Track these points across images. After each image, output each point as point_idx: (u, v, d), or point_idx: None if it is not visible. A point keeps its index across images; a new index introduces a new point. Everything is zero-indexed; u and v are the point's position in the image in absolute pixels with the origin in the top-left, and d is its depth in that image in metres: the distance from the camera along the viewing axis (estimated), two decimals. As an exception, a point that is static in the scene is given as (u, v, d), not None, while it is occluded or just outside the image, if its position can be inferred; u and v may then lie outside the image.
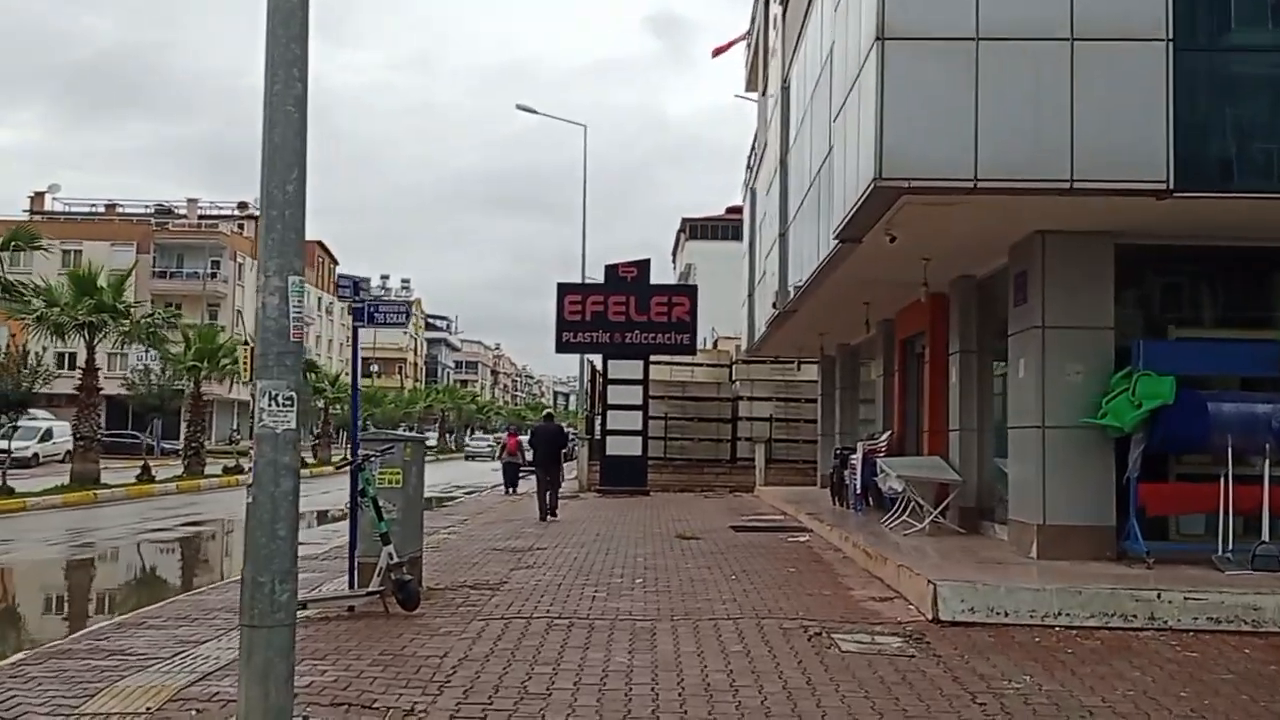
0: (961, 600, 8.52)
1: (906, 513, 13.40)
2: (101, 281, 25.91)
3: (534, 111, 38.76)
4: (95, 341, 25.58)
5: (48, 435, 44.81)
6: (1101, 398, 10.20)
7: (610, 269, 26.28)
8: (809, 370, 28.11)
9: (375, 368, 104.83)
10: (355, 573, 9.14)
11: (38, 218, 77.11)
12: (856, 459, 16.65)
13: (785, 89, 17.23)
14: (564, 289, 26.15)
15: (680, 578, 10.87)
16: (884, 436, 16.79)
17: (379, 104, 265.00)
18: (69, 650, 7.21)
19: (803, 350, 24.64)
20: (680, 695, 6.22)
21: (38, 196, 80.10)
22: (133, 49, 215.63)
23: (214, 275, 73.70)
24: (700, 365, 31.86)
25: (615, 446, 25.69)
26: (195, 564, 16.21)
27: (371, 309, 9.12)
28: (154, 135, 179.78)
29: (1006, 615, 8.42)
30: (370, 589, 8.73)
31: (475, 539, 15.20)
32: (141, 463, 29.17)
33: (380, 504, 9.29)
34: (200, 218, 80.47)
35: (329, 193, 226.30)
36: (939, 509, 12.95)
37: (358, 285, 8.91)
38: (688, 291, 26.91)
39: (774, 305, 17.73)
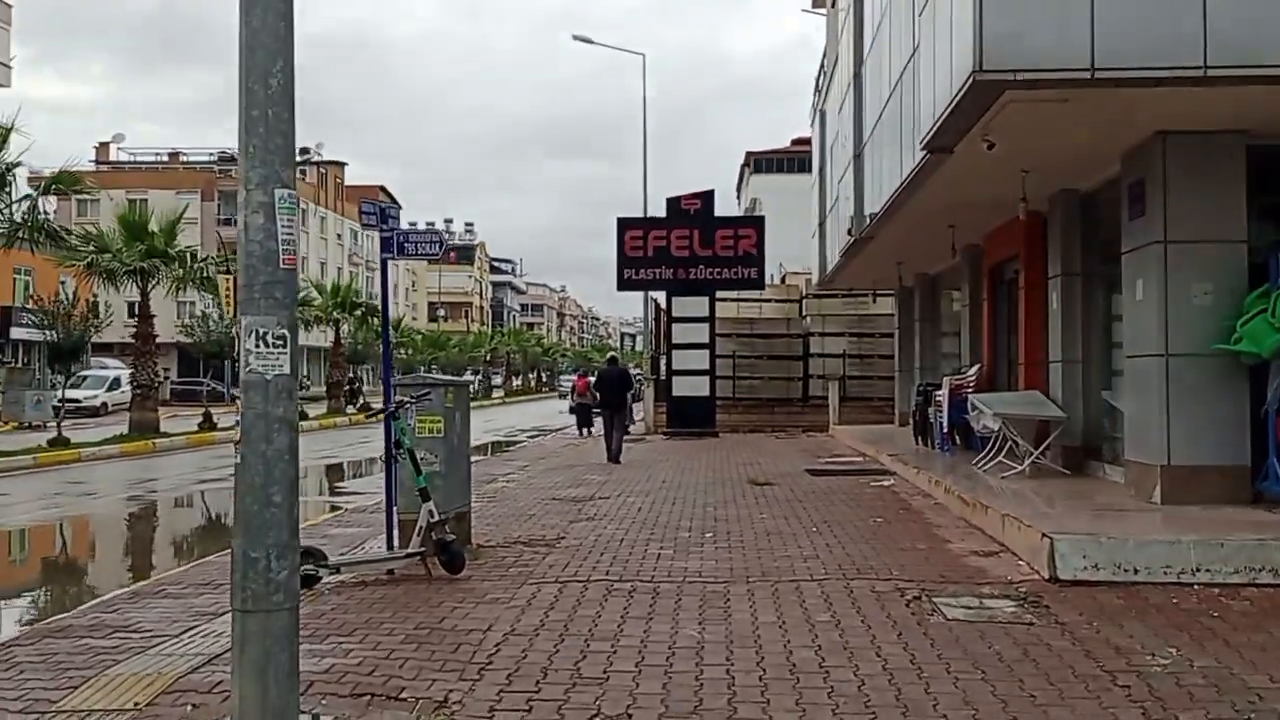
0: (1083, 556, 7.40)
1: (1003, 453, 12.22)
2: (153, 226, 25.36)
3: (590, 42, 37.49)
4: (149, 288, 25.12)
5: (116, 384, 44.97)
6: (1234, 320, 8.90)
7: (672, 201, 25.07)
8: (884, 304, 26.75)
9: (442, 312, 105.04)
10: (394, 532, 8.28)
11: (103, 168, 77.71)
12: (942, 395, 15.45)
13: (859, -5, 15.81)
14: (624, 224, 25.04)
15: (754, 530, 9.87)
16: (972, 371, 15.55)
17: (435, 51, 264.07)
18: (69, 627, 6.44)
19: (878, 282, 23.30)
20: (761, 680, 5.23)
21: (102, 147, 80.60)
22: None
23: (279, 222, 73.67)
24: (769, 301, 30.62)
25: (682, 387, 24.70)
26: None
27: (401, 239, 8.14)
28: (218, 85, 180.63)
29: (1136, 572, 7.29)
30: (410, 550, 7.86)
31: (534, 487, 14.37)
32: (204, 410, 28.85)
33: (420, 455, 8.41)
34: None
35: (388, 141, 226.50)
36: (1040, 449, 11.74)
37: (385, 212, 7.89)
38: (754, 223, 25.62)
39: (849, 232, 16.47)
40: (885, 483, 13.75)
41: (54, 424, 30.18)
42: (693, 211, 24.73)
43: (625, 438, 19.20)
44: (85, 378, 45.64)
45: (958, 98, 8.23)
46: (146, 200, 73.48)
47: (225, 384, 59.44)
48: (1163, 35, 7.61)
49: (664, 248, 24.56)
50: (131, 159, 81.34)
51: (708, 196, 25.04)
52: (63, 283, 31.13)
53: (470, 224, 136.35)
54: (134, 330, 25.47)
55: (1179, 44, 7.57)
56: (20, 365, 38.46)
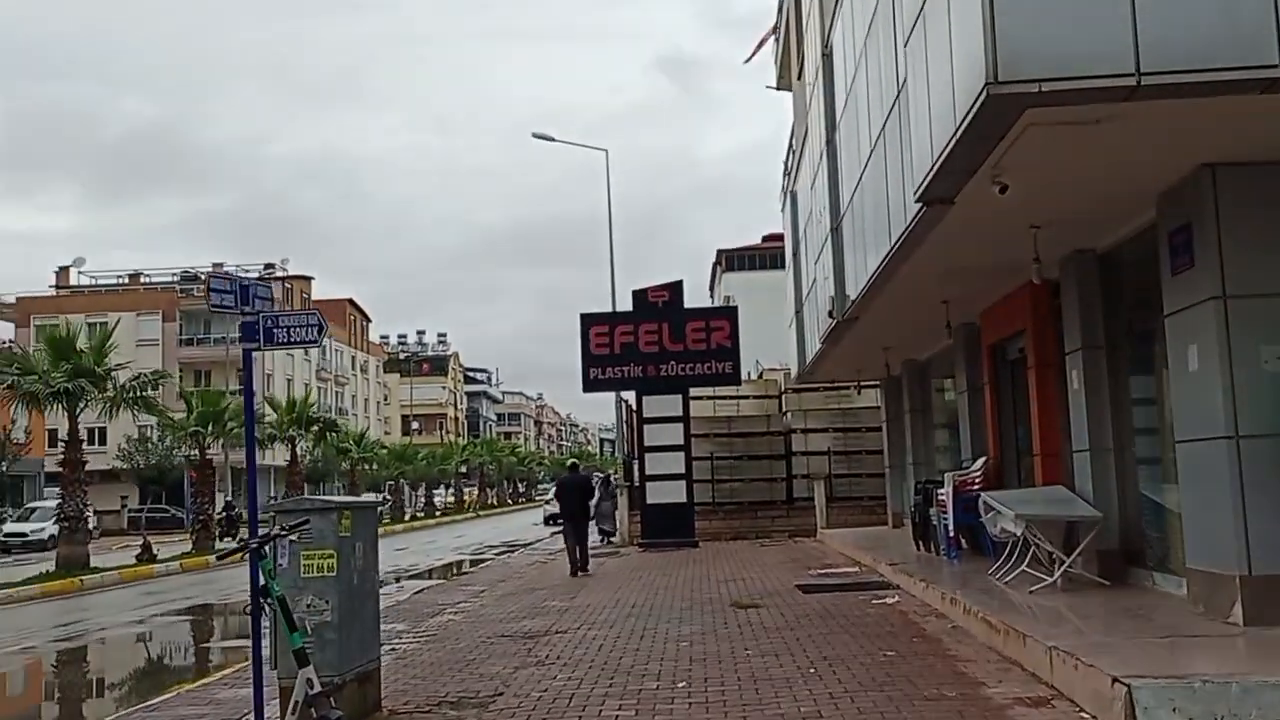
0: (1174, 709, 5.53)
1: (1025, 561, 10.37)
2: (81, 344, 23.53)
3: (551, 139, 36.40)
4: (77, 411, 23.15)
5: None
6: (1317, 391, 7.21)
7: (639, 295, 23.49)
8: (869, 395, 25.07)
9: (415, 425, 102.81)
10: (263, 709, 6.31)
11: (63, 292, 76.10)
12: (945, 494, 13.63)
13: (827, 56, 14.45)
14: (588, 319, 23.39)
15: (739, 675, 7.92)
16: (978, 465, 13.77)
17: (405, 165, 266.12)
18: None
19: (862, 372, 21.64)
20: None
21: (63, 271, 79.24)
22: (156, 126, 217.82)
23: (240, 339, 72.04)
24: (746, 397, 28.89)
25: (656, 493, 22.77)
26: (130, 678, 13.47)
27: (269, 324, 6.38)
28: (181, 210, 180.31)
29: (1249, 730, 5.41)
30: (280, 735, 5.91)
31: (484, 620, 12.36)
32: (143, 540, 26.61)
33: (306, 602, 6.52)
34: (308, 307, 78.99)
35: (360, 254, 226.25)
36: (1073, 556, 9.89)
37: (246, 292, 6.16)
38: (727, 314, 24.03)
39: (829, 314, 14.83)
40: (889, 599, 11.81)
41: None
42: (661, 304, 23.15)
43: (599, 549, 18.75)
44: (33, 510, 43.27)
45: (964, 125, 6.62)
46: (106, 323, 71.98)
47: (185, 510, 57.00)
48: (1222, 29, 6.02)
49: (631, 343, 22.90)
50: (92, 282, 79.83)
51: (676, 288, 23.50)
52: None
53: (443, 334, 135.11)
54: (61, 457, 23.37)
55: (1244, 40, 5.98)
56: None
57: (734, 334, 23.10)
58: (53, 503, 44.99)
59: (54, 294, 75.29)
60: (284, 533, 6.18)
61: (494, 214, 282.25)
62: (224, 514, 33.53)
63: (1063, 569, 9.78)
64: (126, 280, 79.29)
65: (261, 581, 6.05)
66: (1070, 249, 10.25)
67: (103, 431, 51.05)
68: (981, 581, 11.00)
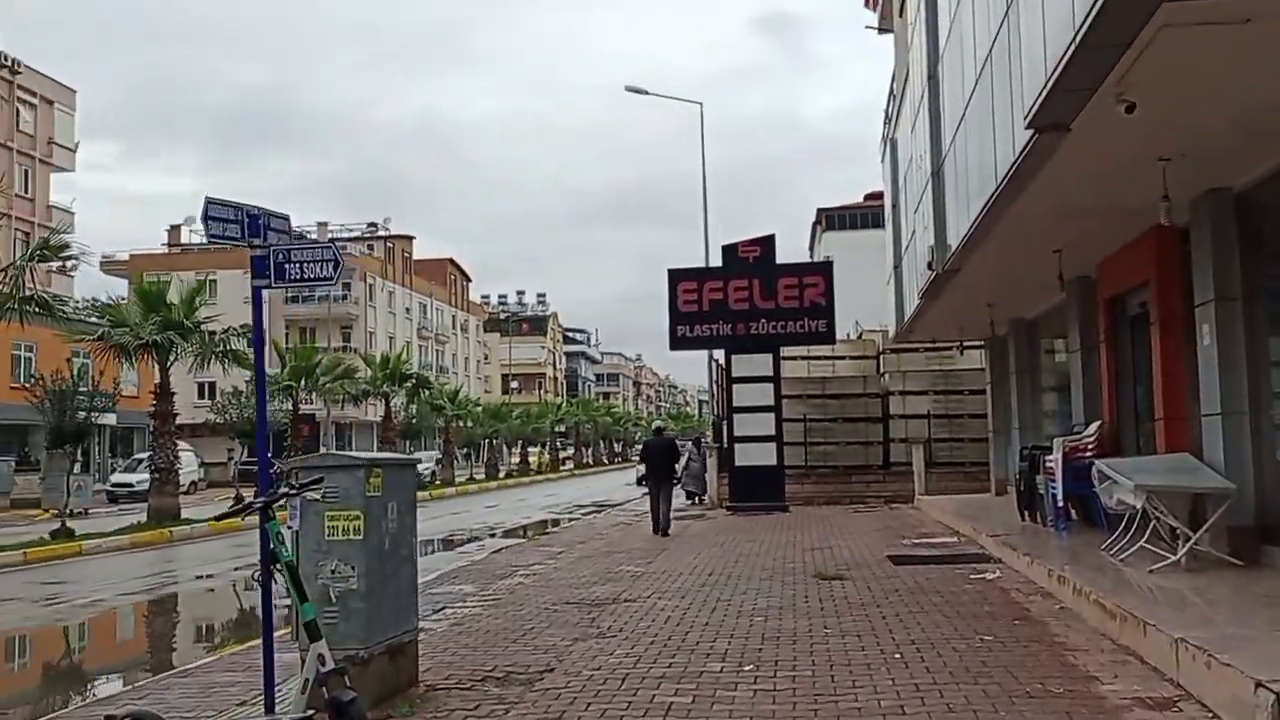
0: (1334, 724, 4.56)
1: (1145, 537, 9.30)
2: (173, 297, 23.61)
3: (645, 92, 35.51)
4: (169, 363, 23.28)
5: None
6: None
7: (729, 249, 22.54)
8: (972, 356, 23.76)
9: (515, 384, 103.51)
10: (271, 689, 5.74)
11: (174, 250, 78.13)
12: (1054, 461, 12.52)
13: (930, -16, 13.29)
14: (676, 275, 22.54)
15: (814, 658, 7.12)
16: (1091, 430, 12.62)
17: (503, 127, 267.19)
18: None
19: (965, 330, 20.40)
20: None
21: (174, 230, 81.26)
22: (268, 91, 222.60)
23: (345, 297, 73.03)
24: (842, 358, 27.76)
25: (745, 455, 21.93)
26: (200, 629, 13.24)
27: (281, 258, 5.74)
28: (291, 172, 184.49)
29: None
30: (292, 716, 5.31)
31: (553, 584, 11.76)
32: (235, 492, 26.83)
33: (330, 567, 5.94)
34: (330, 240, 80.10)
35: (461, 216, 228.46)
36: (1200, 531, 8.80)
37: (256, 223, 5.51)
38: (821, 270, 22.93)
39: (929, 266, 13.75)
40: (988, 575, 10.84)
41: (82, 510, 28.68)
42: (752, 259, 22.17)
43: (686, 511, 18.83)
44: (140, 461, 44.41)
45: (1084, 29, 5.61)
46: (216, 280, 73.93)
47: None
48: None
49: (721, 300, 21.99)
50: (202, 240, 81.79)
51: (768, 242, 22.48)
52: (76, 358, 29.60)
53: (542, 294, 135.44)
54: (152, 408, 23.57)
55: None
56: (64, 450, 37.00)
57: (829, 291, 22.01)
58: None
59: (166, 252, 77.29)
60: (292, 491, 5.56)
61: (592, 176, 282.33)
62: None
63: (1188, 546, 8.70)
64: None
65: (271, 546, 5.44)
66: (1204, 188, 9.07)
67: (213, 386, 52.34)
68: (1094, 557, 9.97)
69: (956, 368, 25.52)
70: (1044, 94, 6.69)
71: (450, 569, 14.34)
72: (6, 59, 50.01)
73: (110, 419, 47.07)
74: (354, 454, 6.38)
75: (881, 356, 27.44)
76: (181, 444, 46.60)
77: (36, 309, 17.85)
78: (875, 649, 7.30)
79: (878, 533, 16.34)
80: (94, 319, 22.76)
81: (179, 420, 22.60)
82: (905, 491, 23.70)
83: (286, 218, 5.91)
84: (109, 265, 72.81)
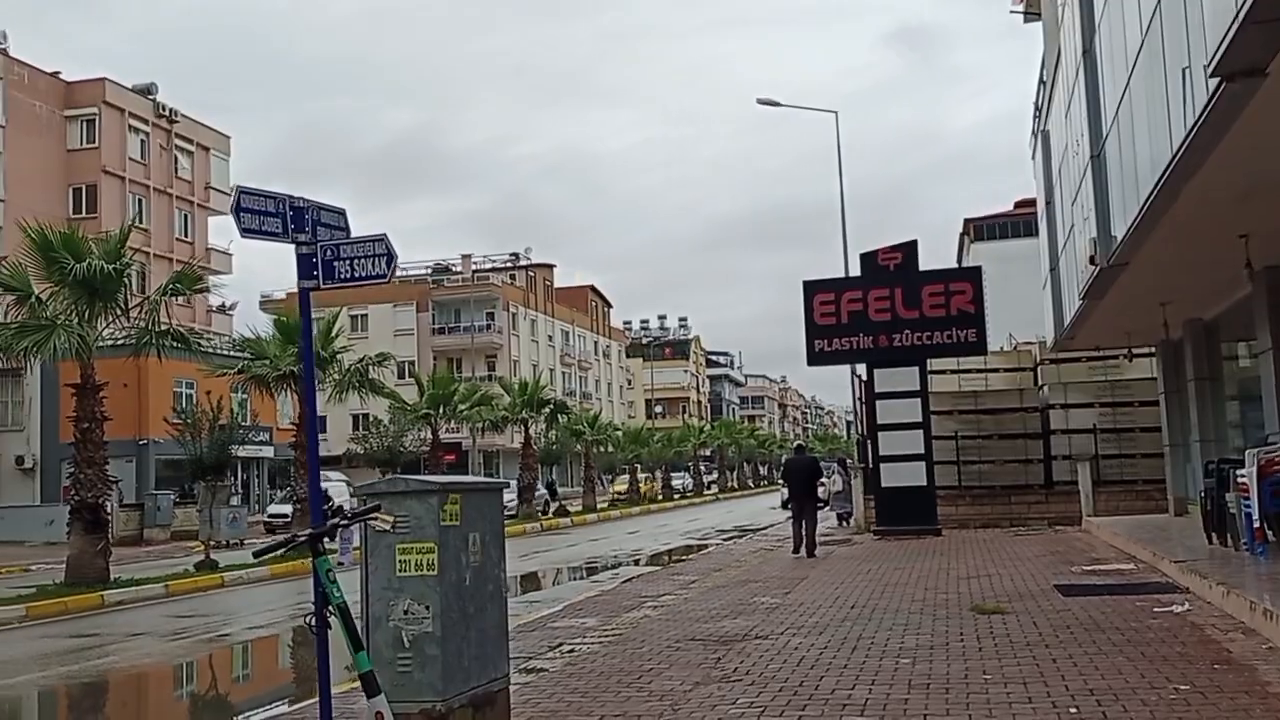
0: None
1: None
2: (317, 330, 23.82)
3: (777, 104, 34.43)
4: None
5: (325, 497, 44.47)
6: None
7: (868, 257, 21.32)
8: (1142, 365, 21.87)
9: (659, 408, 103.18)
10: (329, 748, 5.03)
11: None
12: (1246, 475, 10.98)
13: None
14: (812, 287, 21.44)
15: (973, 710, 6.03)
16: (1292, 439, 11.03)
17: (638, 158, 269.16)
18: None
19: (1133, 335, 18.65)
20: None
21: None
22: (412, 135, 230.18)
23: (489, 327, 74.17)
24: (995, 370, 26.07)
25: (893, 475, 20.60)
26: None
27: (329, 256, 5.07)
28: (434, 211, 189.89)
29: None
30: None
31: (681, 617, 10.87)
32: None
33: (403, 607, 5.23)
34: (474, 272, 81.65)
35: (600, 246, 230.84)
36: None
37: (302, 214, 4.86)
38: (969, 275, 21.43)
39: (1091, 260, 12.37)
40: (1176, 608, 9.43)
41: (238, 542, 29.28)
42: (893, 267, 20.89)
43: (832, 535, 18.72)
44: (288, 491, 45.54)
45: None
46: (367, 315, 76.09)
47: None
48: None
49: (860, 311, 20.77)
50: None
51: (910, 249, 21.16)
52: (235, 393, 30.24)
53: (684, 319, 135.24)
54: (292, 440, 23.76)
55: None
56: (220, 482, 38.13)
57: (978, 298, 20.55)
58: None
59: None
60: (346, 521, 4.87)
61: (727, 202, 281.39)
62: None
63: None
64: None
65: (320, 584, 4.75)
66: None
67: (366, 417, 53.53)
68: (1305, 588, 8.51)
69: (1124, 377, 23.58)
70: (1233, 29, 5.52)
71: (578, 599, 13.64)
72: (165, 109, 52.48)
73: (268, 451, 48.66)
74: (427, 478, 5.65)
75: (1039, 368, 25.64)
76: (334, 474, 47.91)
77: (174, 343, 18.02)
78: (1045, 701, 6.16)
79: (1042, 559, 14.86)
80: (237, 353, 23.10)
81: (334, 451, 22.87)
82: (1070, 513, 21.92)
83: (342, 211, 5.26)
84: (267, 304, 75.72)
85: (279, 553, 5.21)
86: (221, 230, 61.66)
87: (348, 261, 5.07)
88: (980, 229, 66.21)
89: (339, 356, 23.36)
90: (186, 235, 54.42)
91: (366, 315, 75.02)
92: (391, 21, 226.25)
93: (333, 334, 24.09)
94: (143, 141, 51.64)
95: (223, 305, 58.70)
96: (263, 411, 44.53)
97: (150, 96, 52.50)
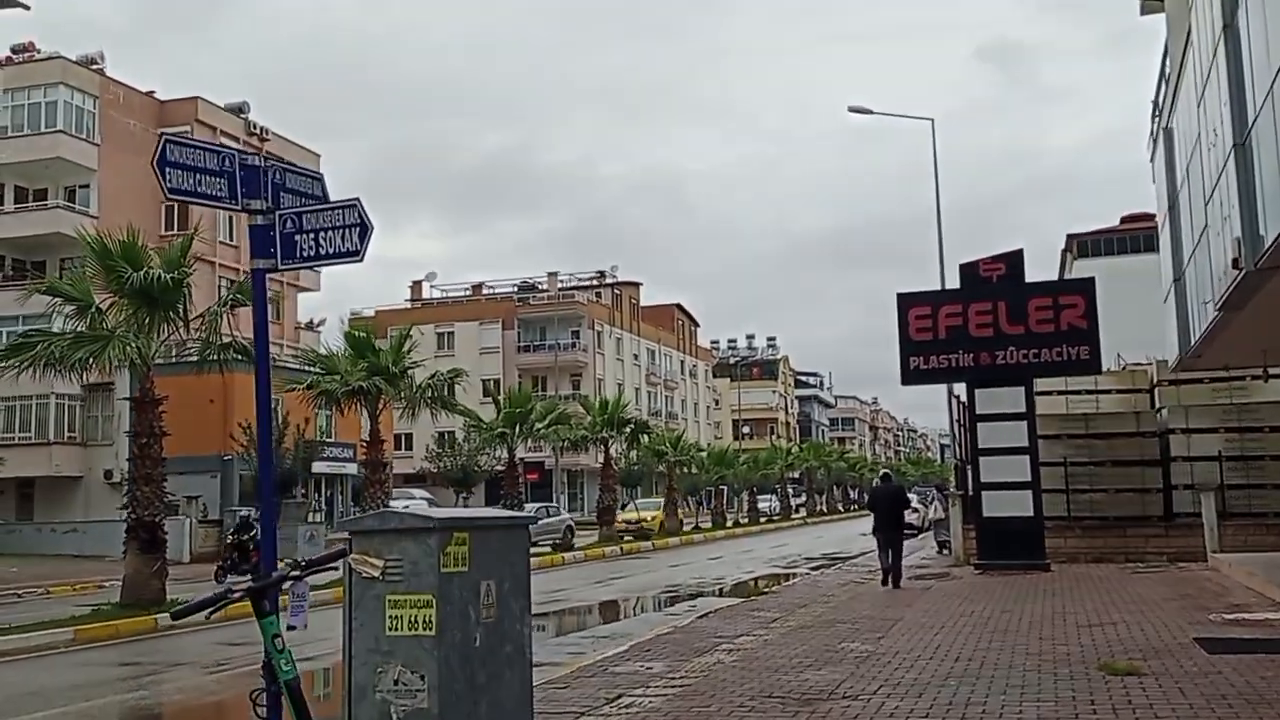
0: None
1: None
2: (382, 344, 23.11)
3: (869, 112, 33.04)
4: (378, 410, 22.72)
5: None
6: None
7: (968, 268, 19.76)
8: (1276, 386, 19.91)
9: (746, 429, 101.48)
10: None
11: (416, 303, 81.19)
12: None
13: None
14: (908, 300, 19.94)
15: (1124, 824, 4.68)
16: None
17: (726, 176, 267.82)
18: None
19: (1270, 353, 16.83)
20: None
21: (415, 285, 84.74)
22: (500, 156, 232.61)
23: (574, 345, 73.64)
24: (1107, 391, 24.17)
25: (995, 505, 18.96)
26: None
27: (291, 228, 3.99)
28: (522, 231, 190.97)
29: None
30: None
31: (758, 666, 9.60)
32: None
33: (394, 677, 4.13)
34: (560, 290, 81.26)
35: (687, 265, 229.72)
36: None
37: (257, 174, 3.81)
38: (1080, 288, 19.68)
39: (1234, 264, 10.79)
40: (1356, 674, 7.86)
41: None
42: (995, 279, 19.31)
43: (928, 568, 18.80)
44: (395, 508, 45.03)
45: None
46: (453, 333, 76.15)
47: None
48: None
49: (960, 326, 19.22)
50: (441, 295, 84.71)
51: (1014, 259, 19.56)
52: (320, 410, 29.79)
53: (772, 338, 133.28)
54: (363, 457, 23.06)
55: None
56: (299, 499, 37.88)
57: (1091, 312, 18.84)
58: (399, 503, 47.19)
59: (407, 307, 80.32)
60: (297, 573, 3.78)
61: (816, 220, 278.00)
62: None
63: None
64: (470, 292, 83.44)
65: (266, 652, 3.65)
66: None
67: (451, 435, 53.27)
68: None
69: (1253, 400, 21.57)
70: None
71: (647, 638, 12.42)
72: (256, 127, 53.02)
73: (351, 468, 48.46)
74: (425, 513, 4.52)
75: (1156, 389, 23.68)
76: (418, 492, 47.46)
77: (237, 356, 17.37)
78: (1222, 812, 4.78)
79: (1171, 603, 13.20)
80: (308, 369, 22.51)
81: (418, 469, 22.14)
82: (1192, 548, 19.98)
83: (317, 176, 4.20)
84: (356, 322, 76.37)
85: (206, 614, 4.07)
86: (310, 248, 62.08)
87: (312, 235, 4.00)
88: (1085, 245, 63.39)
89: (409, 373, 22.57)
90: (276, 253, 54.81)
91: (453, 333, 75.08)
92: (488, 45, 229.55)
93: (404, 349, 23.36)
94: (235, 159, 52.22)
95: (310, 322, 59.01)
96: (345, 428, 44.40)
97: (242, 115, 53.08)
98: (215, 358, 17.27)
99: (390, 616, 4.27)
